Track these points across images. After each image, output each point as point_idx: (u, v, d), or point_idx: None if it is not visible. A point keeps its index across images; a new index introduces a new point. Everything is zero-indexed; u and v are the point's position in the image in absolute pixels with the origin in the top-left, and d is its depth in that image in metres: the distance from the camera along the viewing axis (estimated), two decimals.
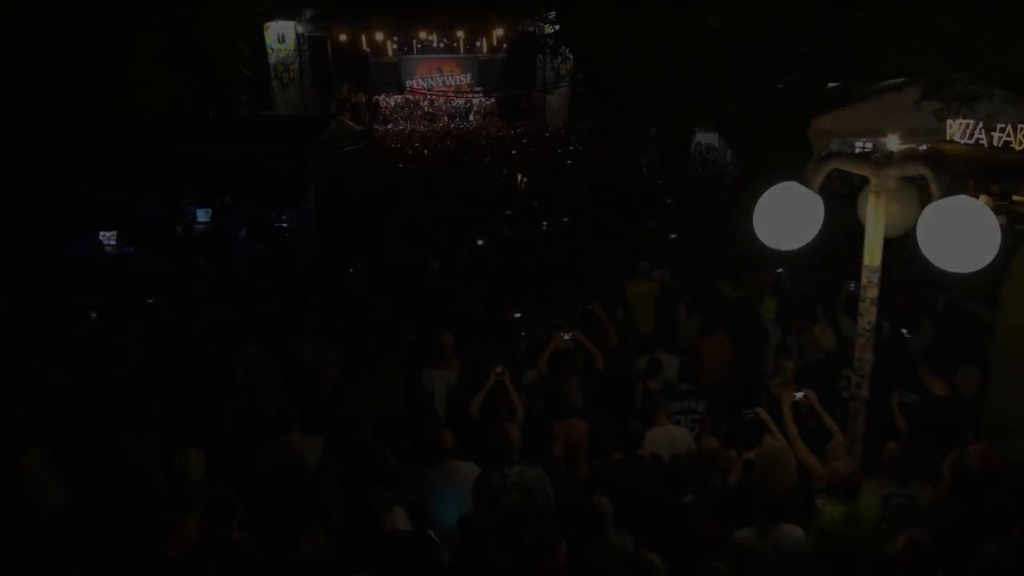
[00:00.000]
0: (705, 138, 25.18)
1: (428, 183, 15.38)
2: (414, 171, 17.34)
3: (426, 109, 37.26)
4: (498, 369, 5.12)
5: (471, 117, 36.64)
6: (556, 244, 9.57)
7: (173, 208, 13.00)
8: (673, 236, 9.67)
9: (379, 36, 35.28)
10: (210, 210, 12.68)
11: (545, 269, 8.76)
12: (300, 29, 35.46)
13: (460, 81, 39.38)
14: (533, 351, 6.10)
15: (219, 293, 7.90)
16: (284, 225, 11.55)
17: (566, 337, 5.71)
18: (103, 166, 9.76)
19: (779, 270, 7.86)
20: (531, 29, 35.75)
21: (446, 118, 36.78)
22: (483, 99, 38.14)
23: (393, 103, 37.78)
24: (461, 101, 37.91)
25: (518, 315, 6.47)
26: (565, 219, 10.51)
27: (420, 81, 38.89)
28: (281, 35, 35.29)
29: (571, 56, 34.04)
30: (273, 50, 35.33)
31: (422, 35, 36.18)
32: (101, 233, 11.91)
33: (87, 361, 6.20)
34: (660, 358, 6.08)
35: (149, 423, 5.82)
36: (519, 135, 27.84)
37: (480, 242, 8.95)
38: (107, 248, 11.62)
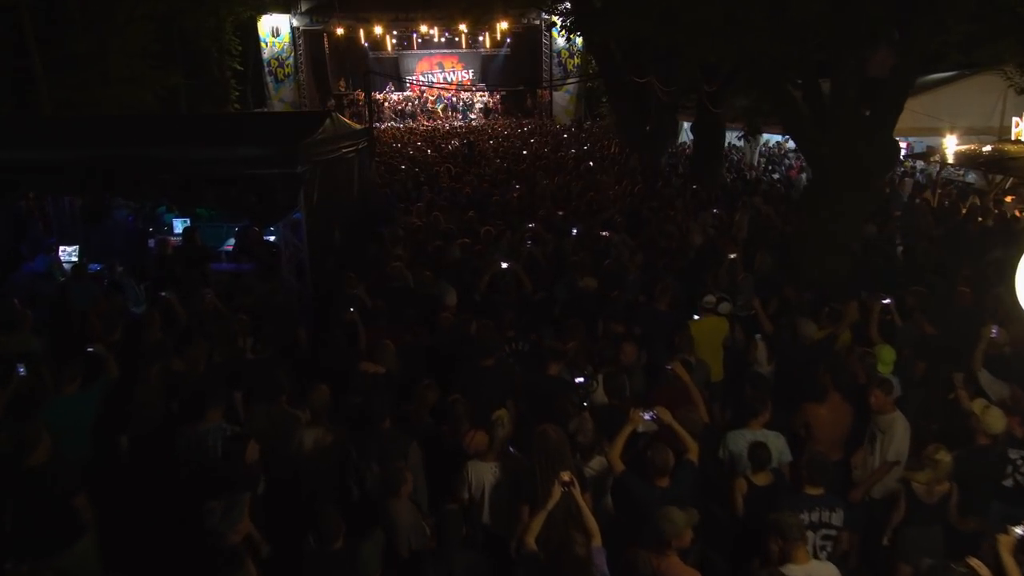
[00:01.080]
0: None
1: (434, 189, 13.77)
2: (418, 173, 15.75)
3: (429, 106, 35.69)
4: (566, 478, 3.59)
5: (471, 115, 35.03)
6: (596, 267, 8.01)
7: (148, 219, 11.46)
8: (732, 256, 8.11)
9: (378, 30, 33.67)
10: (188, 221, 11.14)
11: (584, 301, 7.20)
12: (295, 22, 33.96)
13: (462, 77, 37.78)
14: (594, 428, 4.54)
15: (183, 336, 6.34)
16: (272, 239, 9.98)
17: (647, 417, 4.17)
18: (52, 170, 8.19)
19: (886, 300, 6.29)
20: (537, 22, 34.27)
21: (451, 113, 35.22)
22: (486, 96, 36.55)
23: (396, 99, 36.22)
24: (465, 96, 36.32)
25: (581, 379, 4.89)
26: (604, 233, 8.93)
27: (420, 77, 37.26)
28: (275, 28, 33.78)
29: (580, 45, 32.73)
30: (267, 44, 33.82)
31: (423, 29, 34.57)
32: (61, 248, 10.38)
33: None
34: (763, 439, 4.54)
35: (73, 535, 4.30)
36: (528, 133, 26.23)
37: (505, 265, 7.39)
38: (67, 266, 10.07)
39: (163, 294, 7.09)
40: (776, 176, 17.52)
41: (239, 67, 30.17)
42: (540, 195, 12.79)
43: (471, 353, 5.59)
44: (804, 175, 16.79)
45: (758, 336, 6.46)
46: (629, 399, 4.92)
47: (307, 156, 8.53)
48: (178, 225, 11.30)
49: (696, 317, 6.62)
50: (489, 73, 37.78)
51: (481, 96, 36.43)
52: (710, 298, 6.53)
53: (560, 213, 10.50)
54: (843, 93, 7.70)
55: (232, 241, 10.32)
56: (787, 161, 20.50)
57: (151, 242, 10.71)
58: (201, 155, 8.26)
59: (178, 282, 7.96)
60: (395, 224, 10.65)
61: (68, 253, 10.30)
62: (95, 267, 10.00)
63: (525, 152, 19.43)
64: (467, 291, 7.57)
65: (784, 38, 7.11)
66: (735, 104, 14.59)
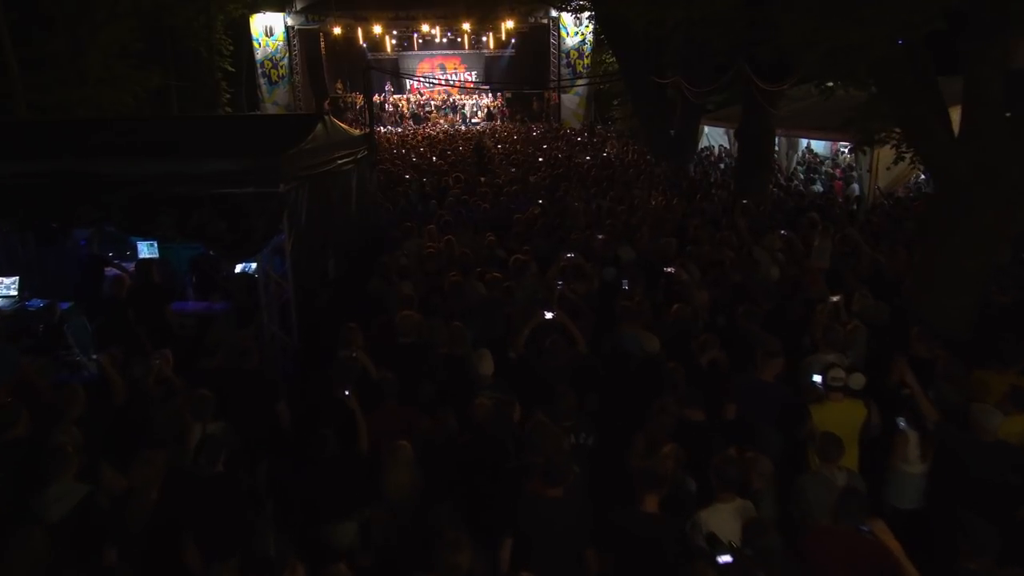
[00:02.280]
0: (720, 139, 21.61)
1: (444, 203, 11.94)
2: (424, 184, 13.94)
3: (432, 109, 33.98)
4: None
5: (474, 119, 33.30)
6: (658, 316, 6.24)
7: (107, 242, 9.61)
8: (835, 298, 6.32)
9: (377, 29, 31.92)
10: (155, 244, 9.34)
11: (650, 369, 5.40)
12: (290, 21, 32.33)
13: (465, 79, 36.04)
14: None
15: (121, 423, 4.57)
16: (251, 268, 8.17)
17: None
18: None
19: None
20: (544, 21, 32.55)
21: (450, 116, 33.52)
22: (483, 99, 34.85)
23: (405, 99, 34.53)
24: (470, 100, 34.61)
25: (726, 559, 3.04)
26: (668, 269, 7.14)
27: (421, 79, 35.49)
28: (269, 27, 32.13)
29: (591, 44, 31.02)
30: (260, 44, 32.12)
31: (424, 28, 32.81)
32: None
33: None
34: None
35: None
36: (539, 138, 24.45)
37: (549, 315, 5.62)
38: (2, 301, 8.29)
39: (95, 356, 5.29)
40: (820, 188, 15.72)
41: (230, 68, 28.39)
42: (568, 212, 11.01)
43: (524, 468, 3.80)
44: (855, 186, 15.04)
45: (902, 423, 4.67)
46: (780, 566, 3.14)
47: (292, 170, 6.77)
48: (144, 249, 9.53)
49: (816, 380, 4.83)
50: (493, 75, 36.08)
51: (478, 99, 34.72)
52: (838, 371, 4.72)
53: (600, 237, 8.68)
54: (984, 90, 5.94)
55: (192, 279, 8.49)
56: (824, 169, 18.76)
57: (111, 272, 8.91)
58: (156, 169, 6.48)
59: (128, 335, 6.18)
60: (400, 250, 8.88)
61: (6, 286, 8.52)
62: (36, 303, 8.24)
63: (541, 159, 17.62)
64: (496, 345, 5.81)
65: (916, 19, 5.36)
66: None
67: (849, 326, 6.07)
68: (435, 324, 5.69)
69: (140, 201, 6.45)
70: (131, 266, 9.18)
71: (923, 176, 16.06)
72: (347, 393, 4.49)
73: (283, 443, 5.43)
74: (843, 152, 21.16)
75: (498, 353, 5.53)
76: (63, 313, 7.87)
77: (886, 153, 14.20)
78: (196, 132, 8.04)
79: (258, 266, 7.14)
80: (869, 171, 13.80)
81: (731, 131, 21.48)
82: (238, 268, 8.29)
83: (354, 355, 5.23)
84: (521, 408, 4.63)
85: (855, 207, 13.37)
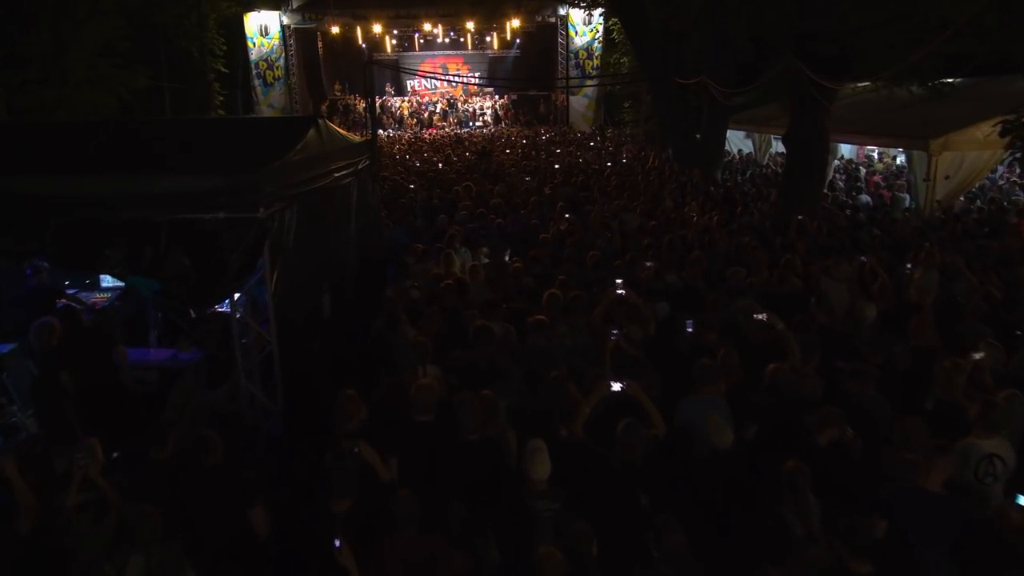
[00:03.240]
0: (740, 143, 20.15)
1: (454, 216, 10.46)
2: (430, 196, 12.50)
3: (437, 112, 32.58)
4: None
5: (475, 122, 31.90)
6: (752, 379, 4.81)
7: (58, 272, 8.12)
8: (979, 356, 4.88)
9: (377, 28, 30.49)
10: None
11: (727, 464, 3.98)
12: (286, 20, 30.92)
13: (469, 80, 34.61)
14: None
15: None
16: (227, 304, 6.70)
17: None
18: None
19: None
20: (552, 20, 31.17)
21: (450, 118, 32.11)
22: (495, 100, 33.43)
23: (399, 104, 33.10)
24: (474, 102, 33.21)
25: None
26: (758, 316, 5.67)
27: (423, 81, 34.05)
28: (264, 27, 30.69)
29: (599, 46, 29.59)
30: (255, 44, 30.66)
31: (425, 27, 31.38)
32: None
33: None
34: None
35: None
36: (550, 142, 23.01)
37: (618, 386, 4.18)
38: None
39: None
40: (867, 199, 14.23)
41: (224, 69, 26.96)
42: (596, 229, 9.56)
43: None
44: (905, 196, 13.61)
45: None
46: None
47: (276, 189, 5.34)
48: (107, 277, 8.08)
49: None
50: (498, 76, 34.65)
51: (482, 100, 33.33)
52: None
53: (649, 264, 7.23)
54: None
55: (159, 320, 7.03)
56: (863, 176, 17.32)
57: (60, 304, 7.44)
58: (102, 189, 5.05)
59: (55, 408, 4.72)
60: (408, 279, 7.44)
61: None
62: None
63: (557, 166, 16.15)
64: (540, 420, 4.39)
65: None
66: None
67: (1002, 394, 4.64)
68: (463, 399, 4.20)
69: (81, 228, 5.03)
70: (91, 297, 7.81)
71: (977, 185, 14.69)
72: (338, 543, 3.02)
73: (260, 556, 4.04)
74: (875, 157, 19.75)
75: (541, 429, 4.12)
76: (2, 358, 6.49)
77: (945, 160, 12.86)
78: (160, 140, 6.57)
79: (231, 307, 5.65)
80: (927, 180, 12.37)
81: (755, 134, 20.14)
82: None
83: (355, 449, 3.78)
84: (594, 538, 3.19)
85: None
